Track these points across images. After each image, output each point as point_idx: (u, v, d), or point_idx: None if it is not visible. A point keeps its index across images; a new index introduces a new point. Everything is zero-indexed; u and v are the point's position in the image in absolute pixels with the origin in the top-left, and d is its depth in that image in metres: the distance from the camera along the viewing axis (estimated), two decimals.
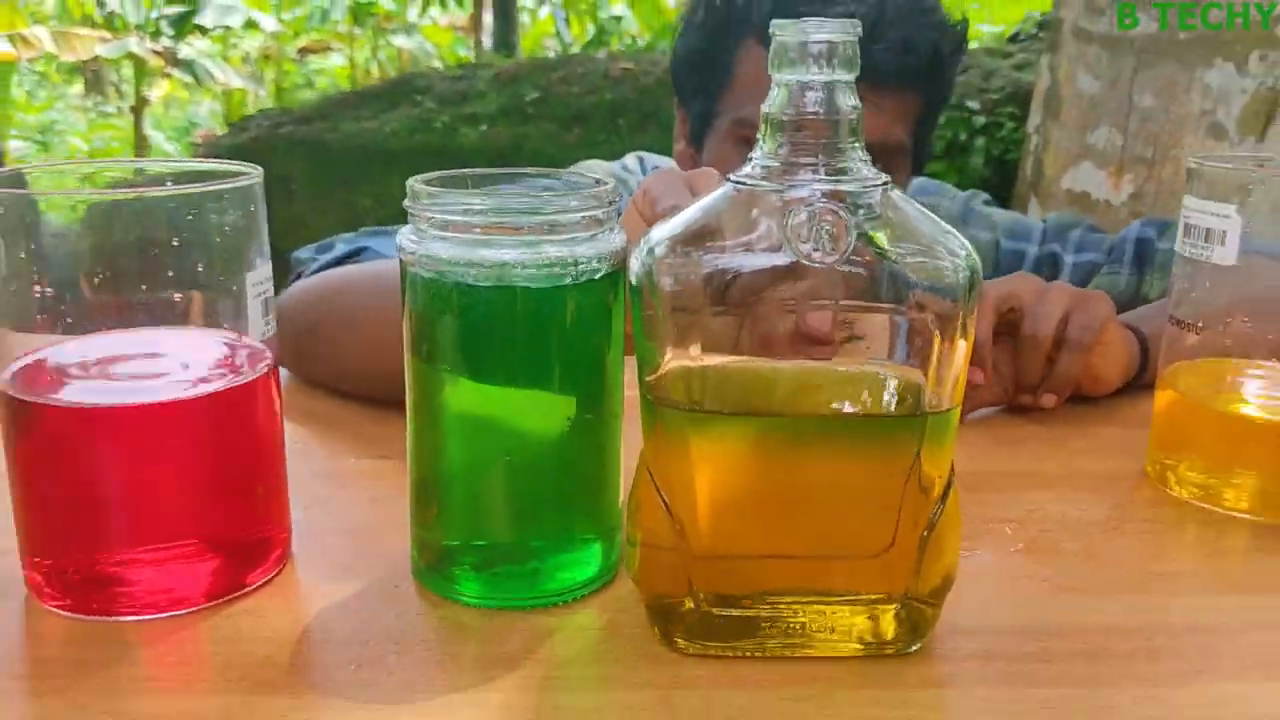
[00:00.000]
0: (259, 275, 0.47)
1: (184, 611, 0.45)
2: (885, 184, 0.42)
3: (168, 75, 7.56)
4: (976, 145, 3.35)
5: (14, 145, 7.51)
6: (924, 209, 0.43)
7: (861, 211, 0.41)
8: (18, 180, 0.45)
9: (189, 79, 7.48)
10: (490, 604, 0.47)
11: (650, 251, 0.42)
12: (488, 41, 8.21)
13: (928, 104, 0.89)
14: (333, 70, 10.57)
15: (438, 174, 0.46)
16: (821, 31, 0.40)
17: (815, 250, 0.40)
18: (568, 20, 9.00)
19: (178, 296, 0.45)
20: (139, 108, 7.45)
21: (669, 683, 0.42)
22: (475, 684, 0.42)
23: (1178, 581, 0.52)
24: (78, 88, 9.89)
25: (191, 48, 7.86)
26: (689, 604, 0.44)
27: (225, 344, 0.47)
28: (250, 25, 7.53)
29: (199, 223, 0.45)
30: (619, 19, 8.98)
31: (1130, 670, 0.44)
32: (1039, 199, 1.77)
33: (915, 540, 0.43)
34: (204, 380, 0.46)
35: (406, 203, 0.45)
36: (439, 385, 0.46)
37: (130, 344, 0.46)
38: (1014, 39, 4.26)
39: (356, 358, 0.69)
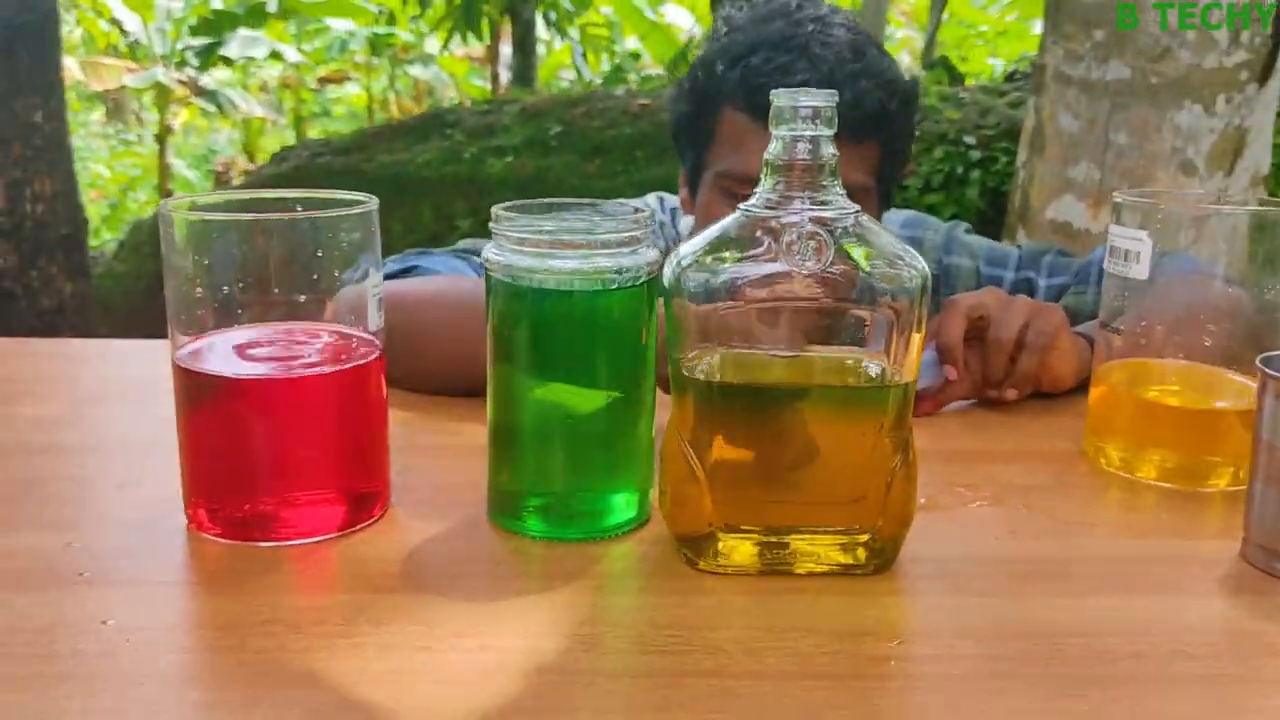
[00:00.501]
0: (374, 280, 0.60)
1: (318, 539, 0.59)
2: (856, 212, 0.55)
3: (190, 104, 7.76)
4: (972, 178, 3.51)
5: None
6: (888, 230, 0.56)
7: (839, 232, 0.54)
8: (195, 207, 0.59)
9: (212, 108, 7.67)
10: (550, 537, 0.60)
11: (679, 262, 0.55)
12: (504, 74, 8.39)
13: (885, 150, 1.02)
14: (350, 99, 10.79)
15: (515, 203, 0.60)
16: (808, 99, 0.54)
17: (804, 261, 0.54)
18: (585, 56, 9.21)
19: (310, 296, 0.59)
20: (163, 136, 7.65)
21: (691, 589, 0.55)
22: (540, 590, 0.55)
23: (1096, 529, 0.65)
24: (97, 115, 10.09)
25: (212, 77, 8.06)
26: (708, 535, 0.57)
27: (347, 335, 0.61)
28: (274, 56, 7.75)
29: (334, 239, 0.58)
30: (636, 55, 9.19)
31: (1050, 586, 0.57)
32: (1025, 228, 1.90)
33: (881, 488, 0.56)
34: (331, 361, 0.60)
35: (492, 224, 0.59)
36: (513, 367, 0.59)
37: (276, 332, 0.59)
38: (1010, 78, 4.43)
39: (428, 362, 0.82)
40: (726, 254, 0.55)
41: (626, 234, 0.58)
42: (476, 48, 10.05)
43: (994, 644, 0.51)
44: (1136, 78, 1.69)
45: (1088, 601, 0.55)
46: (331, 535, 0.59)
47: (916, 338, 0.56)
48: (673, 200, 1.23)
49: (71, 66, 7.26)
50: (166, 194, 7.18)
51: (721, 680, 0.47)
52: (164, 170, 7.58)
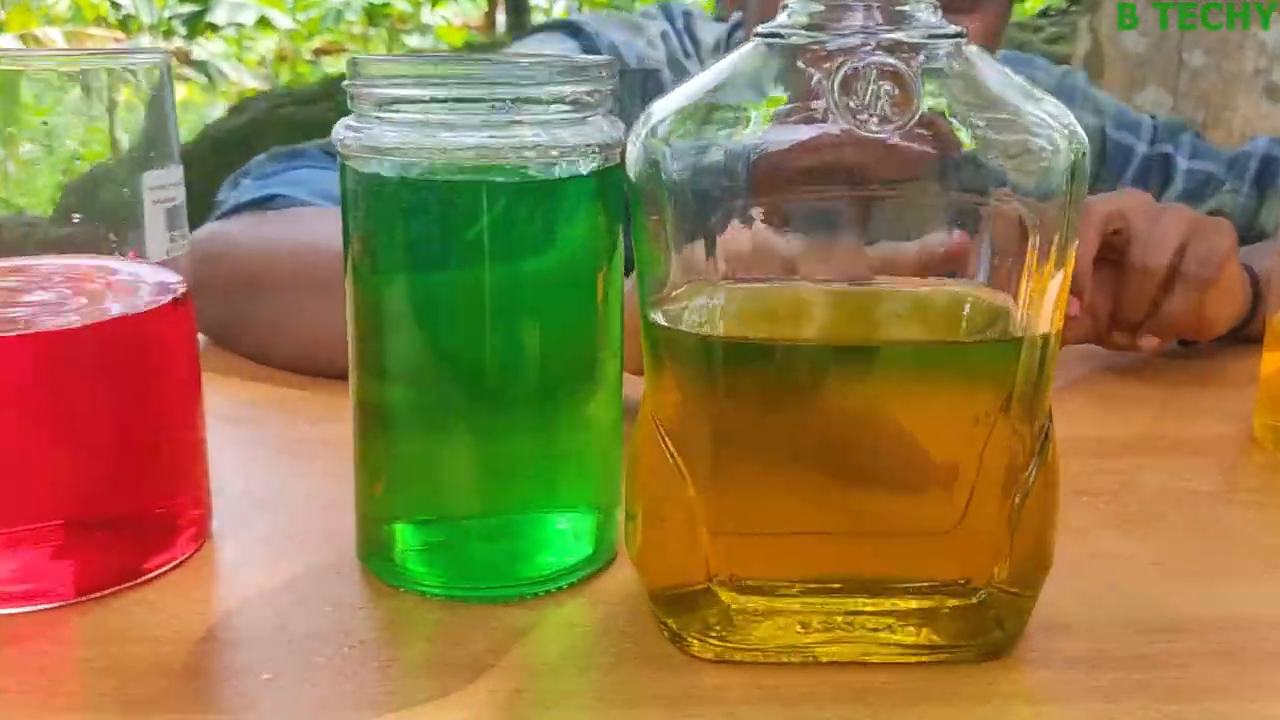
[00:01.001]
0: (162, 179, 0.37)
1: (50, 606, 0.35)
2: (960, 34, 0.32)
3: (182, 77, 7.54)
4: None
5: (25, 149, 7.50)
6: (1011, 72, 0.33)
7: (930, 71, 0.31)
8: None
9: (203, 80, 7.46)
10: (452, 594, 0.37)
11: (652, 131, 0.32)
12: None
13: None
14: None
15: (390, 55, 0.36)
16: None
17: (871, 117, 0.30)
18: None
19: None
20: None
21: (680, 696, 0.32)
22: (427, 697, 0.32)
23: None
24: (77, 91, 9.90)
25: (204, 49, 7.85)
26: (705, 592, 0.34)
27: (113, 264, 0.37)
28: (263, 23, 7.51)
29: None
30: None
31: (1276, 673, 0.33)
32: None
33: (998, 512, 0.33)
34: (86, 309, 0.36)
35: (346, 81, 0.35)
36: (384, 315, 0.36)
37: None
38: (1043, 14, 4.14)
39: (289, 351, 0.60)
40: (735, 112, 0.32)
41: (568, 92, 0.35)
42: (475, 16, 9.85)
43: None
44: None
45: None
46: (74, 600, 0.36)
47: (1061, 257, 0.32)
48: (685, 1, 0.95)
49: (55, 37, 7.06)
50: None
51: None
52: None
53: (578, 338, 0.36)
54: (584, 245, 0.36)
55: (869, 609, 0.34)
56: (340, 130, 0.36)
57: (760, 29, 0.32)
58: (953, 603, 0.34)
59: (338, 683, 0.32)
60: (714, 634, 0.34)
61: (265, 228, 0.66)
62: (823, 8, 0.31)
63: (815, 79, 0.31)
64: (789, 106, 0.31)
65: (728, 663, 0.33)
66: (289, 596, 0.37)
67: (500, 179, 0.34)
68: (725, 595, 0.33)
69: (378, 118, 0.34)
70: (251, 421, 0.55)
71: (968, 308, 0.34)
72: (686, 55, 0.85)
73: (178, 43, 7.54)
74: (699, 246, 0.32)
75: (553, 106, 0.34)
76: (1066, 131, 0.31)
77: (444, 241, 0.35)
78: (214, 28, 7.39)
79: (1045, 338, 0.33)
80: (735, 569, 0.33)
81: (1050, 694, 0.33)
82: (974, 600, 0.33)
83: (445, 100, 0.34)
